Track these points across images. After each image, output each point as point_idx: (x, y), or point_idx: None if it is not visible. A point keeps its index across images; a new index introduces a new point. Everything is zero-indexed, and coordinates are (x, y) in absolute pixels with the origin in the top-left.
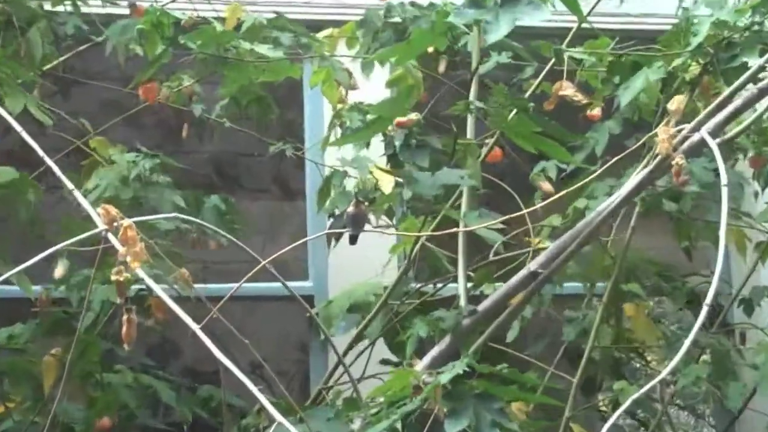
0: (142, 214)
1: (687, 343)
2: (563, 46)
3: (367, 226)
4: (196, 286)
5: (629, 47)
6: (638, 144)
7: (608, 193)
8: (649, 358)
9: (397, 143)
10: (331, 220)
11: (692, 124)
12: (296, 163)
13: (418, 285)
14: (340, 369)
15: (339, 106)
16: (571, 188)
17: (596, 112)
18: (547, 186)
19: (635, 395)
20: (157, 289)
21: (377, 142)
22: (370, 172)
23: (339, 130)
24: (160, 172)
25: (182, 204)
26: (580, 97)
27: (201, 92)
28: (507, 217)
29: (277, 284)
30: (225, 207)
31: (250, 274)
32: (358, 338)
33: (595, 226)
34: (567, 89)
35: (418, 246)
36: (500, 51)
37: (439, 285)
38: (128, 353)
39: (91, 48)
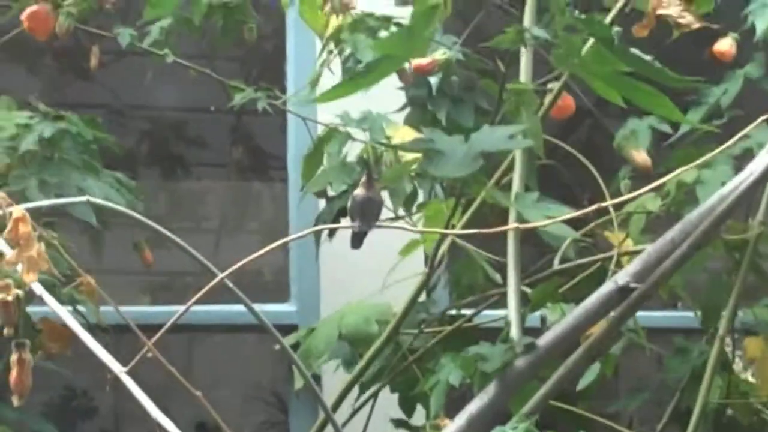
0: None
1: None
2: None
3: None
4: (123, 309)
5: None
6: None
7: (736, 162)
8: None
9: (434, 80)
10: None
11: None
12: (274, 122)
13: (445, 307)
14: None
15: (334, 24)
16: (693, 164)
17: (728, 47)
18: (642, 157)
19: None
20: (64, 313)
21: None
22: (387, 137)
23: (336, 66)
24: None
25: (102, 193)
26: (689, 20)
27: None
28: (587, 210)
29: (241, 308)
30: (92, 134)
31: (201, 293)
32: (354, 386)
33: (720, 217)
34: (670, 6)
35: (446, 245)
36: None
37: (477, 305)
38: (17, 414)
39: None
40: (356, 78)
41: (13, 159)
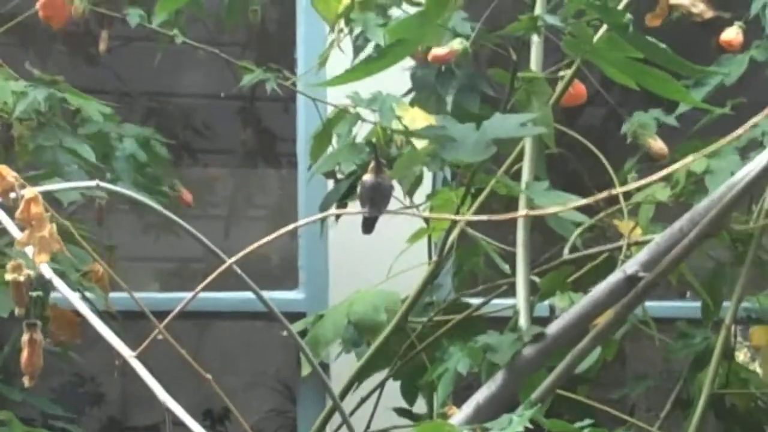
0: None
1: None
2: None
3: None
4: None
5: None
6: None
7: (740, 152)
8: None
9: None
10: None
11: None
12: (283, 108)
13: (452, 295)
14: (336, 420)
15: (345, 1)
16: (701, 153)
17: (734, 35)
18: (658, 145)
19: None
20: (74, 298)
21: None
22: (398, 117)
23: (345, 45)
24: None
25: (92, 158)
26: (702, 9)
27: None
28: (597, 197)
29: (249, 295)
30: (146, 156)
31: (208, 280)
32: (362, 374)
33: (728, 206)
34: None
35: (455, 233)
36: None
37: (485, 294)
38: (24, 396)
39: None
40: (368, 62)
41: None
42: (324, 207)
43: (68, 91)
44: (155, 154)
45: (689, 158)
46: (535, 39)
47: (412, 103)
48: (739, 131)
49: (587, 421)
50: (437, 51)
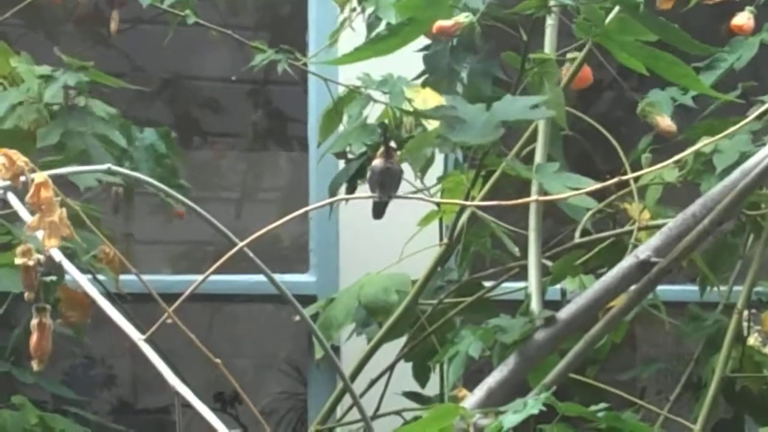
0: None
1: None
2: None
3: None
4: (144, 278)
5: None
6: None
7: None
8: None
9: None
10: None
11: None
12: (295, 91)
13: (463, 277)
14: (346, 402)
15: None
16: (716, 138)
17: (745, 20)
18: (666, 122)
19: None
20: (83, 280)
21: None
22: (409, 100)
23: (356, 24)
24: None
25: (122, 143)
26: None
27: None
28: (608, 183)
29: (260, 278)
30: (165, 147)
31: (220, 262)
32: (373, 354)
33: (742, 192)
34: None
35: (465, 216)
36: None
37: (496, 277)
38: (35, 379)
39: None
40: (378, 41)
41: (39, 114)
42: (333, 187)
43: (97, 76)
44: (173, 147)
45: (701, 143)
46: (550, 21)
47: (423, 85)
48: (754, 116)
49: (602, 405)
50: (443, 23)
